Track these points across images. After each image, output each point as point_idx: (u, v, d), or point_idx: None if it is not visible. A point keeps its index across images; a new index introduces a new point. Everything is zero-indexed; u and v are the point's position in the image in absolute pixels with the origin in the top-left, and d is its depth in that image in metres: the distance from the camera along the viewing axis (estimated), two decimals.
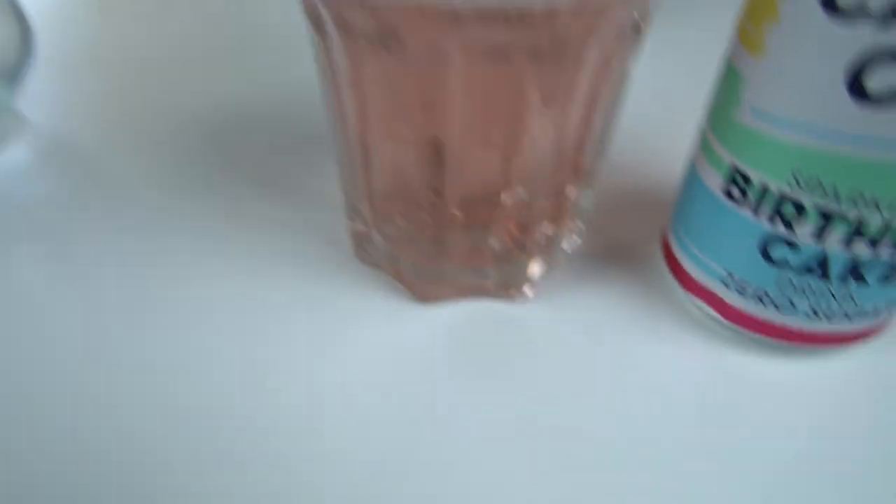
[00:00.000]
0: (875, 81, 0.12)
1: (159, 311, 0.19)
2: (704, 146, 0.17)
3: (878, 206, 0.14)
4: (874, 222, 0.14)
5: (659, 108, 0.29)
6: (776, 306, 0.17)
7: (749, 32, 0.15)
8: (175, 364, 0.17)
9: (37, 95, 0.29)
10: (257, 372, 0.17)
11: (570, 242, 0.21)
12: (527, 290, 0.20)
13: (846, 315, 0.16)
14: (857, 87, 0.13)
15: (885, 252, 0.15)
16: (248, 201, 0.23)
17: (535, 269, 0.20)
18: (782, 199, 0.15)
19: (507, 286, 0.20)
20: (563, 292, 0.20)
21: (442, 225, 0.19)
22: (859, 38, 0.12)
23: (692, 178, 0.18)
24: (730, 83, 0.16)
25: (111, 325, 0.18)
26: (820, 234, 0.15)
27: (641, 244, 0.22)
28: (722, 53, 0.33)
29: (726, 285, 0.17)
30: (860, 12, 0.12)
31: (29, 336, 0.18)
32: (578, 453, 0.15)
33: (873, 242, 0.15)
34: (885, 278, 0.15)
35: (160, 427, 0.16)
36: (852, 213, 0.14)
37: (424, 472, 0.15)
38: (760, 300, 0.17)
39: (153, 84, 0.30)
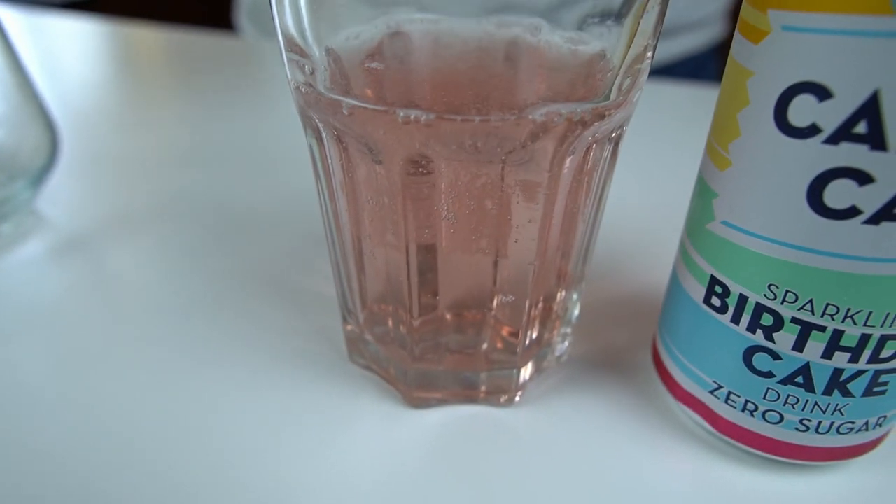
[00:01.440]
0: (833, 196, 0.13)
1: (155, 411, 0.19)
2: (684, 255, 0.17)
3: (853, 319, 0.14)
4: (851, 334, 0.14)
5: (649, 210, 0.30)
6: (765, 418, 0.16)
7: (716, 148, 0.16)
8: (169, 464, 0.17)
9: (55, 195, 0.31)
10: (249, 472, 0.17)
11: (559, 348, 0.21)
12: (516, 395, 0.20)
13: (836, 429, 0.16)
14: (816, 201, 0.13)
15: (866, 364, 0.15)
16: (250, 301, 0.24)
17: (524, 374, 0.20)
18: (760, 309, 0.15)
19: (498, 392, 0.20)
20: (552, 398, 0.20)
21: (433, 329, 0.19)
22: (813, 154, 0.13)
23: (675, 286, 0.18)
24: (702, 196, 0.16)
25: (109, 423, 0.18)
26: (800, 345, 0.15)
27: (632, 350, 0.22)
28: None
29: (714, 395, 0.17)
30: (812, 131, 0.13)
31: (28, 430, 0.18)
32: None
33: (853, 354, 0.15)
34: (870, 391, 0.15)
35: None
36: (829, 325, 0.14)
37: None
38: (749, 412, 0.17)
39: (165, 189, 0.32)
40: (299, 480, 0.17)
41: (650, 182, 0.34)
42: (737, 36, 0.15)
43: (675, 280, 0.18)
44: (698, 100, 0.46)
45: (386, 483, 0.17)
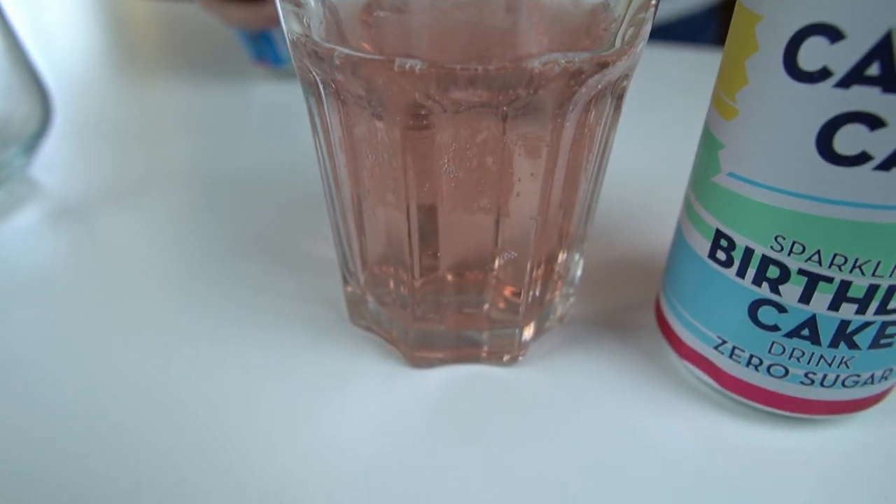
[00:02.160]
0: (843, 142, 0.13)
1: (155, 376, 0.19)
2: (689, 210, 0.17)
3: (861, 269, 0.14)
4: (859, 285, 0.14)
5: (651, 172, 0.30)
6: (770, 372, 0.16)
7: (722, 98, 0.15)
8: (169, 427, 0.17)
9: (49, 162, 0.30)
10: (251, 433, 0.17)
11: (561, 308, 0.21)
12: (519, 355, 0.20)
13: (841, 382, 0.16)
14: (825, 147, 0.13)
15: (873, 316, 0.15)
16: (248, 266, 0.23)
17: (527, 333, 0.20)
18: (766, 261, 0.15)
19: (500, 351, 0.19)
20: (555, 357, 0.20)
21: (435, 290, 0.19)
22: (824, 99, 0.13)
23: (679, 242, 0.18)
24: (708, 148, 0.16)
25: (107, 389, 0.18)
26: (806, 296, 0.15)
27: (635, 309, 0.22)
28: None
29: (719, 351, 0.17)
30: (822, 75, 0.12)
31: (25, 399, 0.18)
32: None
33: (860, 305, 0.14)
34: (877, 343, 0.15)
35: (151, 489, 0.16)
36: (836, 276, 0.14)
37: None
38: (754, 366, 0.17)
39: (160, 156, 0.31)
40: (301, 439, 0.17)
41: (651, 144, 0.33)
42: None
43: (679, 236, 0.18)
44: (699, 62, 0.46)
45: (388, 441, 0.17)
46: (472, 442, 0.17)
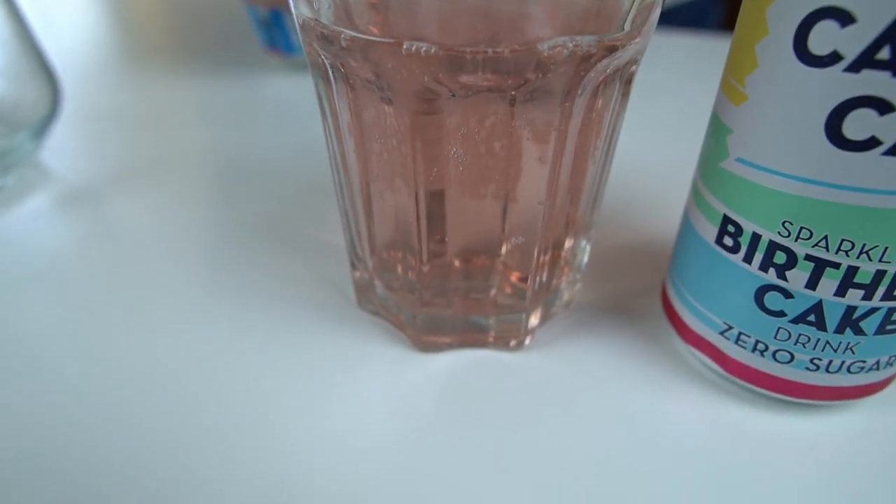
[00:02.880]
0: (852, 127, 0.13)
1: (166, 361, 0.19)
2: (696, 196, 0.17)
3: (868, 254, 0.14)
4: (866, 270, 0.14)
5: (657, 159, 0.30)
6: (775, 358, 0.16)
7: (731, 83, 0.15)
8: (178, 412, 0.17)
9: (59, 147, 0.30)
10: (260, 417, 0.17)
11: (568, 293, 0.21)
12: (525, 340, 0.20)
13: (847, 368, 0.16)
14: (834, 132, 0.13)
15: (879, 301, 0.15)
16: (257, 251, 0.24)
17: (533, 319, 0.20)
18: (773, 247, 0.15)
19: (507, 336, 0.20)
20: (561, 342, 0.20)
21: (442, 275, 0.19)
22: (833, 84, 0.13)
23: (686, 228, 0.18)
24: (716, 134, 0.16)
25: (118, 375, 0.19)
26: (813, 282, 0.15)
27: (641, 295, 0.22)
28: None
29: (725, 336, 0.17)
30: (832, 59, 0.12)
31: (35, 385, 0.18)
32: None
33: (867, 291, 0.14)
34: (883, 329, 0.15)
35: (161, 473, 0.16)
36: (843, 261, 0.14)
37: None
38: (759, 352, 0.17)
39: (170, 141, 0.31)
40: (309, 423, 0.17)
41: (657, 130, 0.33)
42: None
43: (686, 222, 0.18)
44: (704, 48, 0.45)
45: (395, 425, 0.17)
46: (478, 425, 0.17)
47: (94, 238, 0.24)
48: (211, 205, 0.26)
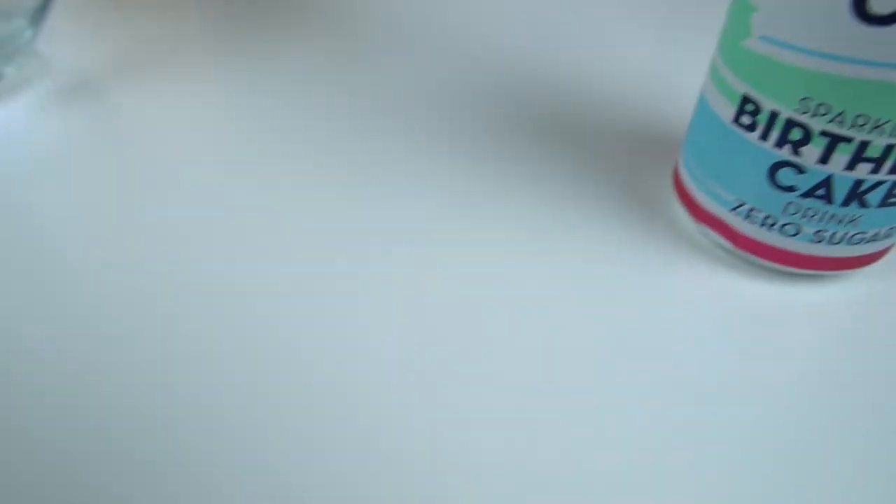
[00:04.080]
0: (878, 1, 0.13)
1: (183, 267, 0.20)
2: (715, 76, 0.18)
3: (881, 129, 0.15)
4: (878, 144, 0.15)
5: (670, 46, 0.30)
6: (782, 231, 0.18)
7: None
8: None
9: (58, 35, 0.30)
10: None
11: None
12: None
13: (848, 239, 0.17)
14: (860, 7, 0.13)
15: (886, 175, 0.16)
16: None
17: None
18: (790, 124, 0.16)
19: None
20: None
21: None
22: None
23: (703, 109, 0.19)
24: (740, 13, 0.16)
25: (139, 274, 0.19)
26: (825, 157, 0.16)
27: (652, 178, 0.22)
28: None
29: (736, 213, 0.18)
30: None
31: (45, 284, 0.19)
32: (587, 376, 0.17)
33: (875, 165, 0.15)
34: (886, 201, 0.16)
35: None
36: (857, 136, 0.15)
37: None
38: (768, 226, 0.18)
39: (177, 25, 0.31)
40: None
41: (668, 19, 0.33)
42: None
43: (702, 104, 0.19)
44: None
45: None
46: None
47: (103, 131, 0.24)
48: (230, 91, 0.26)
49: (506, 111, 0.26)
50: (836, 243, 0.17)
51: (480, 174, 0.23)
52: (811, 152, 0.16)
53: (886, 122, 0.15)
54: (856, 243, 0.17)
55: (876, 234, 0.17)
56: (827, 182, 0.16)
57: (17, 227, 0.20)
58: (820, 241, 0.17)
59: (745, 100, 0.16)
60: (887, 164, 0.15)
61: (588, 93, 0.27)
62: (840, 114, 0.15)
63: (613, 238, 0.20)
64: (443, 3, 0.34)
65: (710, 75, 0.18)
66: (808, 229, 0.17)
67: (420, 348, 0.17)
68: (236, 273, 0.19)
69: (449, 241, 0.20)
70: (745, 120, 0.17)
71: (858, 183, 0.16)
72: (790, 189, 0.17)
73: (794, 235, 0.17)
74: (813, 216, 0.17)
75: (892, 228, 0.17)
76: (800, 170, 0.16)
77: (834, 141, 0.15)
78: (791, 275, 0.19)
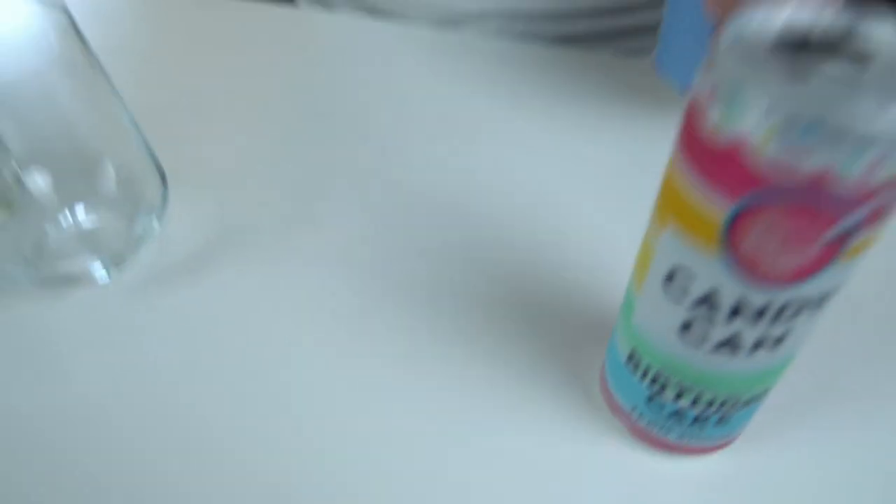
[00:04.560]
0: (693, 331, 0.22)
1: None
2: (619, 323, 0.27)
3: (699, 396, 0.24)
4: (705, 397, 0.24)
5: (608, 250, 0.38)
6: (660, 432, 0.27)
7: (637, 274, 0.24)
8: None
9: (173, 217, 0.39)
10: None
11: None
12: None
13: (703, 439, 0.26)
14: (685, 330, 0.22)
15: (713, 412, 0.25)
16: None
17: None
18: (657, 374, 0.25)
19: None
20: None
21: None
22: (679, 313, 0.22)
23: (612, 339, 0.28)
24: (628, 300, 0.25)
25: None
26: (677, 398, 0.25)
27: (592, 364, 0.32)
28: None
29: (631, 414, 0.27)
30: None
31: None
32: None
33: (708, 405, 0.24)
34: (719, 422, 0.25)
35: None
36: (690, 394, 0.24)
37: None
38: (651, 426, 0.27)
39: (267, 199, 0.40)
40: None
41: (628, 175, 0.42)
42: None
43: (613, 335, 0.28)
44: None
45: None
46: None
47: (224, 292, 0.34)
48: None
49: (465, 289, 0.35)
50: (695, 441, 0.26)
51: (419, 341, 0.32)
52: (668, 394, 0.25)
53: (700, 391, 0.24)
54: (709, 440, 0.26)
55: (721, 435, 0.26)
56: (680, 412, 0.25)
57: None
58: (684, 439, 0.26)
59: (633, 353, 0.26)
60: (712, 408, 0.24)
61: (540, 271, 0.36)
62: (679, 381, 0.24)
63: (546, 413, 0.29)
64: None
65: (620, 317, 0.27)
66: (675, 433, 0.26)
67: None
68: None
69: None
70: (631, 366, 0.26)
71: (698, 415, 0.25)
72: (660, 410, 0.26)
73: (668, 434, 0.27)
74: (675, 426, 0.26)
75: (731, 432, 0.26)
76: (662, 404, 0.25)
77: (680, 392, 0.24)
78: (669, 455, 0.28)
